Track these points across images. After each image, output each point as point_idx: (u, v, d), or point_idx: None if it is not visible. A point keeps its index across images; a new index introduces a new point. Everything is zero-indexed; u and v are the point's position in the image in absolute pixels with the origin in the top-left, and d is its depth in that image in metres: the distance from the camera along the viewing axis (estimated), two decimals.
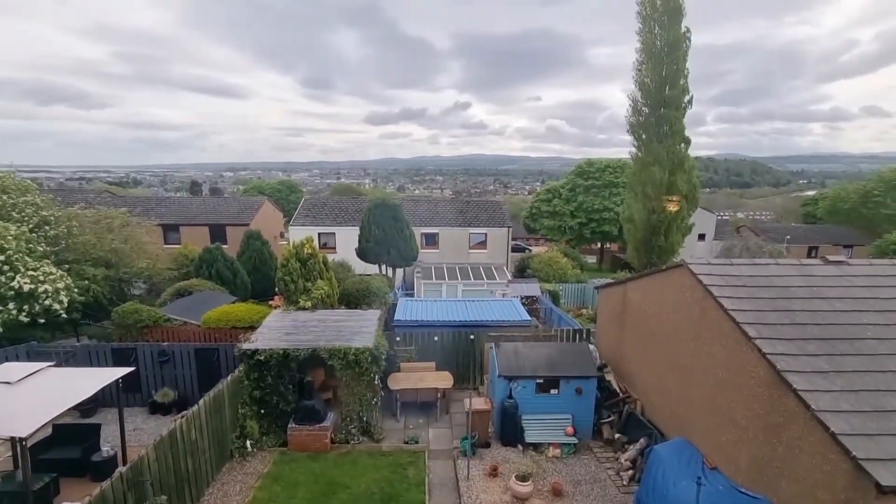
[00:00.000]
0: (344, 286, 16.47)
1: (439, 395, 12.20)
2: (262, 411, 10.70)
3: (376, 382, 11.04)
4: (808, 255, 36.48)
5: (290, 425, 10.61)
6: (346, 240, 24.84)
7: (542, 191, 45.98)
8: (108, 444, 9.61)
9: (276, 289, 15.30)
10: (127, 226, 18.88)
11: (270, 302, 17.64)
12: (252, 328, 12.48)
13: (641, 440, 10.00)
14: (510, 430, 10.69)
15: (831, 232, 42.40)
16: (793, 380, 6.37)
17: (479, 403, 10.80)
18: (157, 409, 12.08)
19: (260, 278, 20.21)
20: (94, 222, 17.77)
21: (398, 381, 12.27)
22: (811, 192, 75.23)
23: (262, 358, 10.58)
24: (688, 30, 21.77)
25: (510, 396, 10.72)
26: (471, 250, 27.91)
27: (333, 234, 27.30)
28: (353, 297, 16.16)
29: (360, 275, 19.44)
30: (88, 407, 11.60)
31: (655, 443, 9.31)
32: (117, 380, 9.08)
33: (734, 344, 7.55)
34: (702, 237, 39.53)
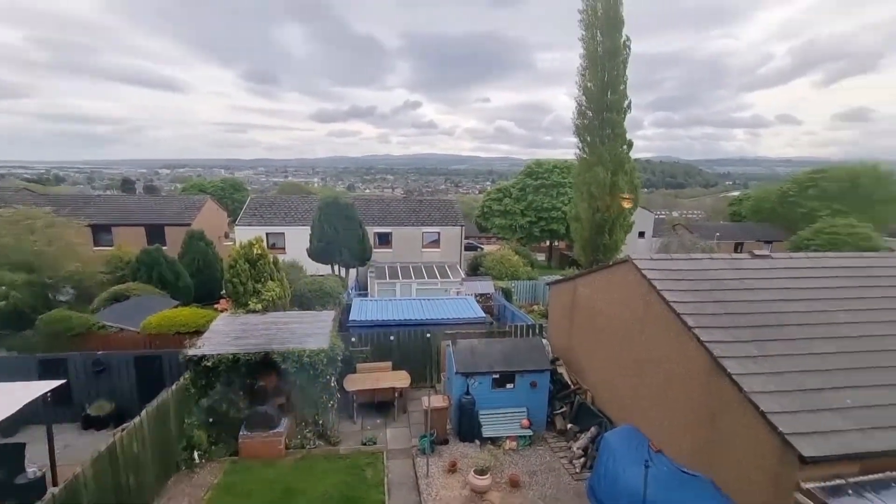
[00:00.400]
0: (296, 287, 15.99)
1: (397, 395, 12.15)
2: (211, 420, 10.19)
3: (332, 384, 10.84)
4: (735, 251, 39.57)
5: (241, 433, 10.18)
6: (297, 240, 24.12)
7: (493, 190, 46.82)
8: (34, 465, 8.78)
9: (223, 291, 14.60)
10: (52, 226, 17.29)
11: (216, 305, 16.81)
12: (198, 333, 11.85)
13: (592, 429, 10.48)
14: (468, 426, 10.85)
15: (754, 229, 46.21)
16: (728, 365, 6.94)
17: (437, 401, 10.87)
18: (92, 423, 11.19)
19: (204, 281, 19.19)
20: (11, 223, 16.14)
21: (354, 383, 12.10)
22: (736, 193, 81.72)
23: (209, 364, 10.09)
24: (627, 38, 22.94)
25: (467, 393, 10.87)
26: (424, 249, 27.96)
27: (283, 233, 26.41)
28: (306, 299, 15.74)
29: (313, 275, 18.95)
30: (7, 425, 10.53)
31: (605, 431, 9.79)
32: (45, 393, 8.34)
33: (676, 334, 8.09)
34: (642, 235, 41.83)
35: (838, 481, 5.78)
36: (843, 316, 8.29)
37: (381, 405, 12.26)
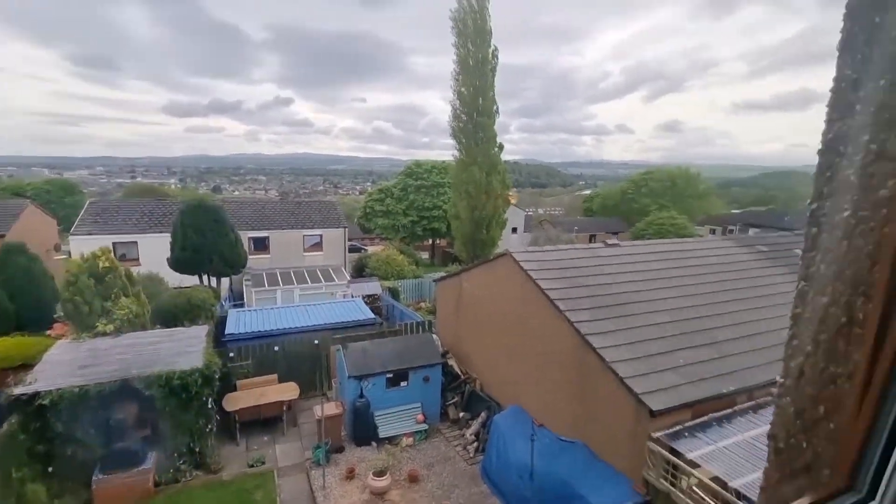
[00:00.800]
0: (157, 303, 14.07)
1: (285, 409, 11.49)
2: (51, 469, 8.52)
3: (209, 406, 9.84)
4: (590, 241, 45.23)
5: (94, 477, 8.69)
6: (153, 249, 21.16)
7: (375, 191, 46.52)
8: None
9: (59, 314, 12.24)
10: None
11: (49, 332, 14.00)
12: (27, 367, 9.78)
13: (482, 414, 11.16)
14: (364, 429, 10.74)
15: (603, 222, 53.28)
16: (592, 340, 7.99)
17: (330, 408, 10.56)
18: None
19: (28, 304, 15.78)
20: None
21: (236, 401, 11.14)
22: (588, 192, 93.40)
23: (45, 402, 8.42)
24: (496, 48, 24.70)
25: (361, 395, 10.76)
26: (306, 253, 26.67)
27: (135, 243, 22.92)
28: (171, 314, 13.95)
29: (178, 288, 16.85)
30: None
31: (495, 414, 10.52)
32: None
33: (550, 317, 9.04)
34: (515, 231, 45.34)
35: (677, 427, 7.08)
36: (673, 291, 10.10)
37: (269, 421, 11.48)
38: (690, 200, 50.15)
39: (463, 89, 24.75)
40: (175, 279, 18.56)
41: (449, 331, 13.84)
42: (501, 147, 25.78)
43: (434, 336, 13.46)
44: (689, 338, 8.61)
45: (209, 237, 18.37)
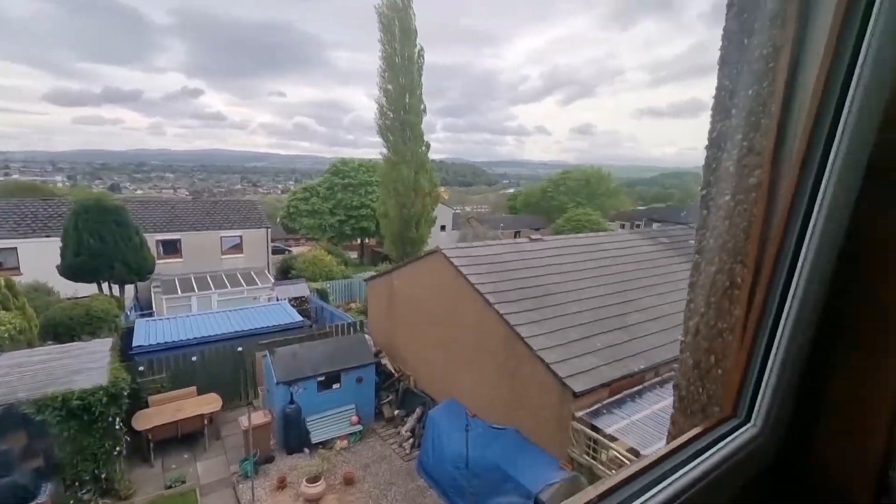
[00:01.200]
0: (46, 315, 12.45)
1: (206, 422, 10.74)
2: None
3: (117, 427, 8.94)
4: (514, 237, 47.16)
5: None
6: (38, 255, 18.65)
7: (299, 190, 44.67)
8: None
9: None
10: None
11: None
12: None
13: (417, 410, 11.26)
14: (295, 436, 10.37)
15: (526, 219, 55.82)
16: (520, 331, 8.40)
17: (258, 418, 10.07)
18: None
19: None
20: None
21: (148, 419, 10.21)
22: (512, 190, 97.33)
23: None
24: (421, 48, 24.85)
25: (291, 401, 10.37)
26: (224, 256, 24.97)
27: (14, 249, 20.00)
28: (66, 328, 12.41)
29: (72, 298, 15.02)
30: None
31: (429, 409, 10.66)
32: None
33: (481, 311, 9.35)
34: (443, 228, 45.96)
35: (597, 405, 7.68)
36: (589, 281, 10.90)
37: (188, 437, 10.67)
38: (603, 198, 54.43)
39: (389, 87, 24.60)
40: (69, 289, 16.54)
41: (381, 330, 13.75)
42: (428, 146, 26.00)
43: (366, 336, 13.31)
44: (604, 323, 9.35)
45: (109, 241, 16.57)
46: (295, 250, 35.64)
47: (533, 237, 12.86)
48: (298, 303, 19.02)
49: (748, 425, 0.85)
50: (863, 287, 0.81)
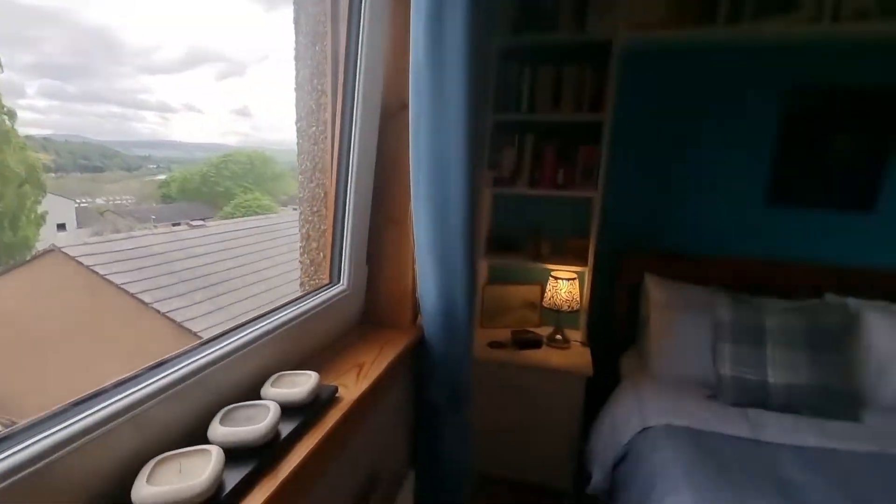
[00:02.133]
0: None
1: None
2: None
3: None
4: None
5: None
6: None
7: None
8: None
9: None
10: None
11: None
12: None
13: None
14: None
15: (187, 209, 48.73)
16: (190, 326, 7.57)
17: None
18: None
19: None
20: None
21: None
22: (163, 176, 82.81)
23: None
24: None
25: None
26: None
27: None
28: None
29: None
30: None
31: None
32: None
33: (135, 316, 7.82)
34: (62, 227, 34.70)
35: None
36: (265, 263, 10.83)
37: None
38: (270, 183, 54.12)
39: None
40: None
41: None
42: (13, 115, 18.78)
43: None
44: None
45: None
46: None
47: (193, 223, 11.55)
48: None
49: (339, 285, 1.24)
50: (387, 185, 1.30)
